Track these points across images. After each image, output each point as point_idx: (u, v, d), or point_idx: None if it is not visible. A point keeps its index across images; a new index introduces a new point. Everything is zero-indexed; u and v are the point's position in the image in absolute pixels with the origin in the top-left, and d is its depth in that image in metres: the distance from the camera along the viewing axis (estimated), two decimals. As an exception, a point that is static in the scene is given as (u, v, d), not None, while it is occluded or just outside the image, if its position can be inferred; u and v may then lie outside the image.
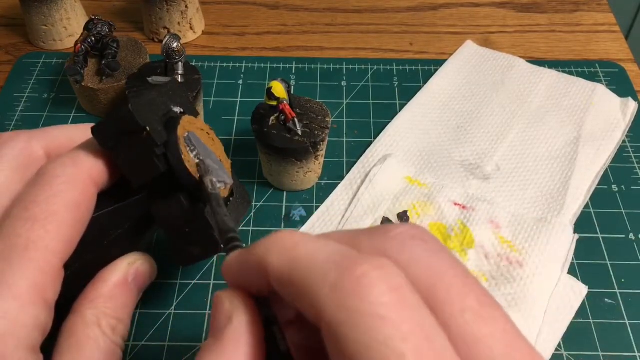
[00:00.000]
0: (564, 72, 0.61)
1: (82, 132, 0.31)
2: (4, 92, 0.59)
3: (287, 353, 0.22)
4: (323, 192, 0.51)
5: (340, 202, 0.49)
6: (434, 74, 0.61)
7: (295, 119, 0.46)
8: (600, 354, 0.41)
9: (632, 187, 0.52)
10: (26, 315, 0.24)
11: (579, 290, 0.44)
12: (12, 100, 0.58)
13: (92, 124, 0.29)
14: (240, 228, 0.48)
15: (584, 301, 0.44)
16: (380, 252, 0.21)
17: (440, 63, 0.62)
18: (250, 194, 0.50)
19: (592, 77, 0.61)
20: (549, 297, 0.43)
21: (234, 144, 0.55)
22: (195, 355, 0.41)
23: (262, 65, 0.62)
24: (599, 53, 0.65)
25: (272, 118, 0.47)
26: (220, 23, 0.68)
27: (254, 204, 0.50)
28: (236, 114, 0.57)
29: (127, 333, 0.29)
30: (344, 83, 0.60)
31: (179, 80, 0.51)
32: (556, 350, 0.41)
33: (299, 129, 0.46)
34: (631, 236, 0.48)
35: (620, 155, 0.54)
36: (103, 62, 0.54)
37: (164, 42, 0.50)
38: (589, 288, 0.44)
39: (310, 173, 0.49)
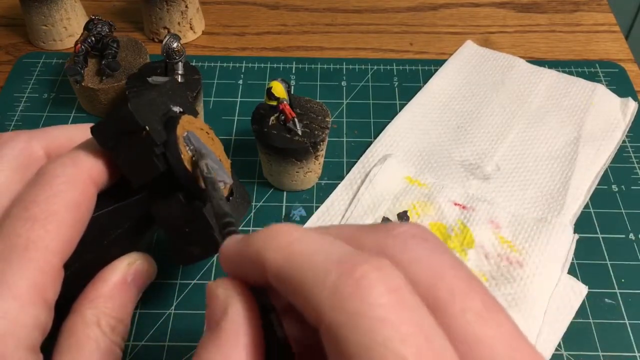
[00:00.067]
0: (564, 72, 0.61)
1: (82, 132, 0.31)
2: (4, 92, 0.59)
3: (285, 340, 0.22)
4: (323, 192, 0.51)
5: (340, 202, 0.49)
6: (434, 74, 0.61)
7: (295, 119, 0.46)
8: (600, 354, 0.41)
9: (632, 187, 0.52)
10: (26, 315, 0.24)
11: (579, 290, 0.44)
12: (12, 100, 0.58)
13: (92, 124, 0.29)
14: (240, 228, 0.48)
15: (584, 301, 0.44)
16: (381, 250, 0.21)
17: (440, 63, 0.62)
18: (250, 194, 0.50)
19: (592, 77, 0.61)
20: (549, 297, 0.43)
21: (234, 144, 0.54)
22: (193, 355, 0.41)
23: (262, 65, 0.62)
24: (599, 53, 0.65)
25: (272, 118, 0.47)
26: (220, 23, 0.68)
27: (254, 204, 0.50)
28: (236, 114, 0.57)
29: (127, 333, 0.29)
30: (344, 83, 0.60)
31: (179, 80, 0.51)
32: (556, 350, 0.41)
33: (299, 129, 0.46)
34: (631, 236, 0.48)
35: (620, 155, 0.54)
36: (103, 62, 0.54)
37: (164, 42, 0.50)
38: (589, 288, 0.44)
39: (310, 173, 0.49)
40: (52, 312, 0.26)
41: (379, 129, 0.55)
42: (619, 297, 0.44)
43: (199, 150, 0.31)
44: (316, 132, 0.47)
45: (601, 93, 0.58)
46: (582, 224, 0.49)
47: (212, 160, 0.32)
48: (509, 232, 0.46)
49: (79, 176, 0.28)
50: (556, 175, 0.51)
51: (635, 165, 0.53)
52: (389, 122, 0.56)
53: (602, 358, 0.41)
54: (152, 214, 0.31)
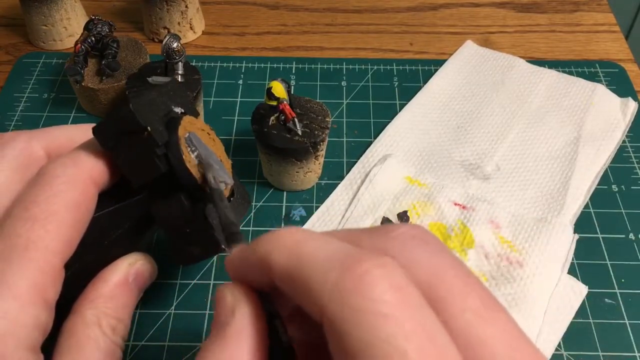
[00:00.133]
0: (564, 72, 0.61)
1: (83, 132, 0.31)
2: (4, 92, 0.59)
3: (289, 347, 0.22)
4: (323, 192, 0.51)
5: (340, 202, 0.49)
6: (434, 74, 0.61)
7: (295, 119, 0.46)
8: (600, 354, 0.41)
9: (632, 187, 0.52)
10: (26, 315, 0.24)
11: (579, 290, 0.44)
12: (12, 100, 0.58)
13: (93, 124, 0.29)
14: (240, 228, 0.48)
15: (584, 301, 0.44)
16: (381, 251, 0.21)
17: (440, 63, 0.62)
18: (250, 194, 0.50)
19: (592, 77, 0.61)
20: (549, 297, 0.43)
21: (234, 144, 0.55)
22: (195, 355, 0.41)
23: (262, 65, 0.62)
24: (599, 53, 0.65)
25: (272, 118, 0.47)
26: (220, 23, 0.68)
27: (254, 204, 0.50)
28: (236, 114, 0.57)
29: (127, 333, 0.29)
30: (344, 83, 0.60)
31: (179, 80, 0.51)
32: (556, 350, 0.41)
33: (299, 129, 0.46)
34: (631, 236, 0.48)
35: (620, 155, 0.54)
36: (103, 62, 0.54)
37: (164, 42, 0.50)
38: (589, 288, 0.44)
39: (310, 173, 0.49)
40: (52, 312, 0.26)
41: (379, 129, 0.55)
42: (619, 297, 0.44)
43: (207, 161, 0.31)
44: (316, 132, 0.47)
45: (601, 93, 0.58)
46: (582, 224, 0.49)
47: (213, 161, 0.32)
48: (509, 232, 0.46)
49: (79, 176, 0.28)
50: (556, 175, 0.51)
51: (635, 165, 0.53)
52: (389, 122, 0.56)
53: (602, 358, 0.41)
54: (153, 214, 0.31)
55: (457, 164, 0.52)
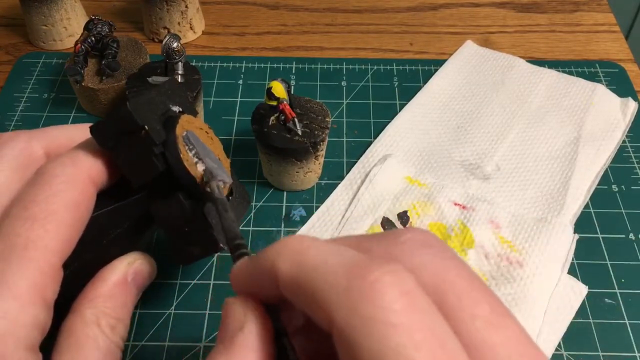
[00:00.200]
0: (564, 72, 0.61)
1: (82, 132, 0.31)
2: (4, 92, 0.59)
3: None
4: (323, 192, 0.51)
5: (340, 202, 0.49)
6: (434, 74, 0.61)
7: (295, 119, 0.46)
8: (600, 354, 0.41)
9: (632, 187, 0.52)
10: (25, 315, 0.24)
11: (579, 290, 0.44)
12: (12, 100, 0.58)
13: (92, 124, 0.29)
14: (240, 228, 0.48)
15: (584, 301, 0.44)
16: (389, 257, 0.21)
17: (440, 63, 0.62)
18: (250, 194, 0.50)
19: (592, 77, 0.61)
20: (549, 297, 0.43)
21: (234, 144, 0.54)
22: (195, 356, 0.41)
23: (262, 65, 0.62)
24: (599, 53, 0.65)
25: (272, 118, 0.47)
26: (220, 23, 0.68)
27: (254, 204, 0.50)
28: (236, 114, 0.57)
29: (127, 333, 0.29)
30: (344, 83, 0.60)
31: (179, 80, 0.51)
32: (556, 350, 0.41)
33: (299, 129, 0.46)
34: (631, 236, 0.48)
35: (620, 155, 0.54)
36: (103, 62, 0.54)
37: (164, 42, 0.50)
38: (589, 288, 0.44)
39: (310, 173, 0.49)
40: (51, 312, 0.26)
41: (379, 129, 0.55)
42: (619, 297, 0.44)
43: (211, 170, 0.30)
44: (316, 132, 0.47)
45: (601, 93, 0.58)
46: (582, 224, 0.49)
47: (211, 160, 0.32)
48: (509, 232, 0.46)
49: (78, 176, 0.28)
50: (556, 175, 0.51)
51: (635, 165, 0.53)
52: (389, 122, 0.56)
53: (602, 358, 0.41)
54: (152, 213, 0.31)
55: (457, 164, 0.52)
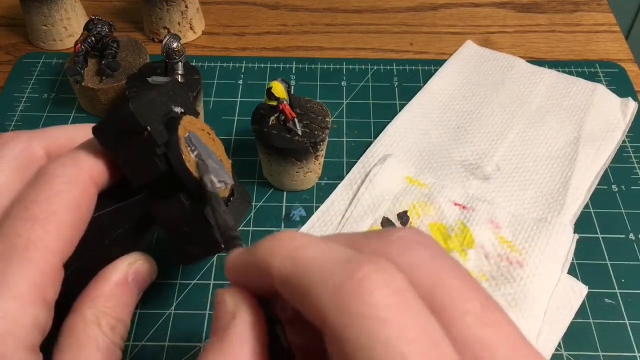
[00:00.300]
0: (564, 72, 0.61)
1: (83, 132, 0.31)
2: (4, 92, 0.59)
3: (289, 352, 0.22)
4: (323, 192, 0.51)
5: (340, 202, 0.49)
6: (434, 74, 0.61)
7: (295, 119, 0.46)
8: (600, 354, 0.41)
9: (632, 187, 0.52)
10: (26, 315, 0.24)
11: (579, 290, 0.44)
12: (12, 100, 0.58)
13: (93, 124, 0.29)
14: (240, 228, 0.48)
15: (584, 301, 0.44)
16: (381, 255, 0.21)
17: (440, 63, 0.62)
18: (250, 194, 0.50)
19: (592, 77, 0.61)
20: (549, 297, 0.43)
21: (234, 144, 0.55)
22: (195, 356, 0.41)
23: (262, 65, 0.62)
24: (599, 53, 0.65)
25: (272, 118, 0.47)
26: (220, 23, 0.68)
27: (254, 204, 0.50)
28: (236, 114, 0.57)
29: (127, 333, 0.29)
30: (344, 83, 0.60)
31: (179, 80, 0.51)
32: (556, 350, 0.41)
33: (299, 129, 0.46)
34: (631, 236, 0.48)
35: (620, 155, 0.54)
36: (103, 62, 0.54)
37: (164, 42, 0.50)
38: (589, 288, 0.44)
39: (310, 173, 0.49)
40: (51, 312, 0.26)
41: (379, 129, 0.55)
42: (619, 297, 0.44)
43: (204, 164, 0.31)
44: (316, 132, 0.47)
45: (601, 93, 0.58)
46: (582, 224, 0.49)
47: (213, 161, 0.32)
48: (509, 232, 0.46)
49: (79, 176, 0.28)
50: (556, 175, 0.51)
51: (635, 165, 0.53)
52: (389, 122, 0.56)
53: (602, 358, 0.41)
54: (153, 214, 0.31)
55: (457, 164, 0.52)
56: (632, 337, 0.42)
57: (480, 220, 0.47)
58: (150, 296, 0.44)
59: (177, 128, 0.30)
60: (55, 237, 0.26)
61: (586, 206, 0.50)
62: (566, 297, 0.43)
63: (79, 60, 0.54)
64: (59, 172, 0.27)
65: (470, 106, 0.57)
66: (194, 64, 0.58)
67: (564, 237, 0.46)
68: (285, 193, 0.51)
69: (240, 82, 0.60)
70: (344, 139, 0.55)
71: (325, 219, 0.48)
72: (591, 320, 0.43)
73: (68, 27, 0.63)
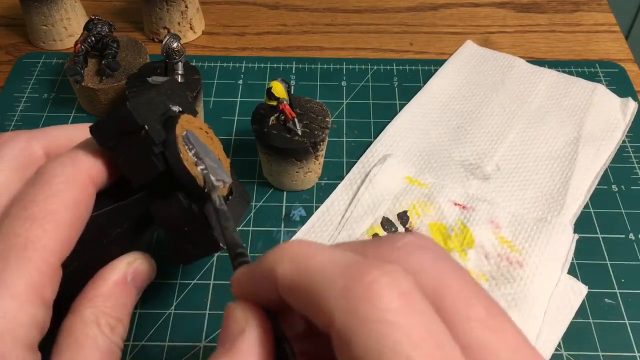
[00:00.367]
0: (564, 72, 0.61)
1: (82, 131, 0.31)
2: (4, 92, 0.59)
3: None
4: (323, 192, 0.51)
5: (340, 202, 0.49)
6: (434, 74, 0.61)
7: (295, 119, 0.46)
8: (600, 354, 0.41)
9: (632, 187, 0.52)
10: (24, 314, 0.24)
11: (579, 290, 0.44)
12: (12, 100, 0.58)
13: (92, 124, 0.29)
14: (240, 228, 0.48)
15: (584, 301, 0.44)
16: (387, 260, 0.21)
17: (440, 63, 0.62)
18: (250, 194, 0.50)
19: (592, 77, 0.61)
20: (549, 297, 0.43)
21: (234, 144, 0.54)
22: (195, 356, 0.41)
23: (262, 65, 0.62)
24: (599, 53, 0.65)
25: (272, 118, 0.47)
26: (220, 23, 0.68)
27: (254, 204, 0.50)
28: (236, 114, 0.57)
29: (126, 333, 0.29)
30: (344, 83, 0.60)
31: (179, 80, 0.51)
32: (556, 350, 0.41)
33: (299, 129, 0.46)
34: (631, 236, 0.48)
35: (620, 155, 0.54)
36: (103, 62, 0.54)
37: (164, 42, 0.50)
38: (589, 288, 0.44)
39: (310, 173, 0.49)
40: (50, 311, 0.26)
41: (379, 129, 0.55)
42: (619, 297, 0.44)
43: (211, 182, 0.30)
44: (316, 132, 0.47)
45: (601, 93, 0.58)
46: (582, 224, 0.49)
47: (211, 160, 0.32)
48: (509, 232, 0.46)
49: (78, 176, 0.28)
50: (556, 175, 0.51)
51: (635, 165, 0.53)
52: (389, 122, 0.56)
53: (602, 358, 0.41)
54: (152, 213, 0.31)
55: (457, 164, 0.52)
56: (632, 337, 0.42)
57: (480, 220, 0.47)
58: (150, 296, 0.44)
59: (175, 127, 0.30)
60: (53, 236, 0.26)
61: (586, 206, 0.50)
62: (566, 297, 0.43)
63: (79, 60, 0.54)
64: (57, 172, 0.27)
65: (470, 106, 0.57)
66: (194, 64, 0.58)
67: (564, 237, 0.46)
68: (285, 193, 0.51)
69: (240, 82, 0.60)
70: (344, 139, 0.55)
71: (325, 219, 0.48)
72: (591, 320, 0.43)
73: (68, 27, 0.63)
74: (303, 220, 0.49)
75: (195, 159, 0.31)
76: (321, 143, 0.48)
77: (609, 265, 0.46)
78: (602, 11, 0.70)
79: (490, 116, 0.56)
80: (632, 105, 0.57)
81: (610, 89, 0.59)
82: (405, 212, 0.48)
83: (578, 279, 0.45)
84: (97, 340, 0.27)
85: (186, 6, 0.63)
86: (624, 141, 0.55)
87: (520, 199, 0.49)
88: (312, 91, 0.60)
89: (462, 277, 0.21)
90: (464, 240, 0.46)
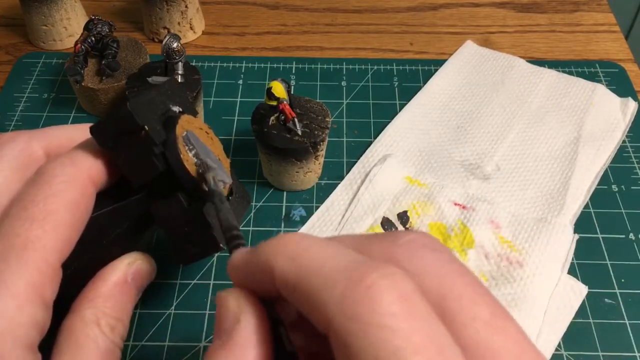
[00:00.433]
0: (564, 72, 0.61)
1: (82, 132, 0.31)
2: (4, 92, 0.59)
3: (294, 354, 0.22)
4: (323, 192, 0.51)
5: (340, 202, 0.49)
6: (434, 74, 0.61)
7: (295, 119, 0.46)
8: (600, 354, 0.41)
9: (632, 187, 0.52)
10: (24, 315, 0.24)
11: (579, 290, 0.44)
12: (12, 100, 0.58)
13: (92, 124, 0.29)
14: (240, 228, 0.48)
15: (584, 301, 0.44)
16: (389, 259, 0.21)
17: (440, 63, 0.62)
18: (250, 194, 0.50)
19: (592, 77, 0.61)
20: (549, 297, 0.43)
21: (234, 144, 0.54)
22: (195, 356, 0.41)
23: (262, 65, 0.62)
24: (599, 53, 0.65)
25: (272, 118, 0.47)
26: (220, 23, 0.68)
27: (254, 204, 0.50)
28: (236, 114, 0.57)
29: (126, 333, 0.29)
30: (344, 83, 0.60)
31: (179, 80, 0.51)
32: (556, 350, 0.41)
33: (299, 129, 0.46)
34: (631, 236, 0.48)
35: (620, 155, 0.54)
36: (103, 62, 0.54)
37: (164, 42, 0.50)
38: (589, 288, 0.44)
39: (310, 173, 0.49)
40: (50, 311, 0.26)
41: (379, 129, 0.55)
42: (619, 297, 0.44)
43: (205, 162, 0.30)
44: (316, 132, 0.47)
45: (601, 93, 0.58)
46: (582, 224, 0.49)
47: (211, 160, 0.32)
48: (509, 232, 0.46)
49: (78, 176, 0.28)
50: (556, 175, 0.51)
51: (635, 165, 0.53)
52: (389, 122, 0.56)
53: (602, 358, 0.41)
54: (152, 213, 0.31)
55: (457, 164, 0.52)
56: (632, 337, 0.42)
57: (480, 220, 0.47)
58: (150, 296, 0.44)
59: (175, 127, 0.30)
60: (53, 236, 0.26)
61: (586, 206, 0.50)
62: (566, 297, 0.43)
63: (79, 60, 0.54)
64: (57, 172, 0.27)
65: (470, 106, 0.57)
66: (194, 64, 0.58)
67: (564, 237, 0.46)
68: (285, 193, 0.51)
69: (240, 82, 0.60)
70: (344, 139, 0.55)
71: (325, 219, 0.48)
72: (591, 320, 0.43)
73: (68, 27, 0.63)
74: (303, 220, 0.49)
75: (195, 159, 0.31)
76: (321, 143, 0.48)
77: (609, 265, 0.46)
78: (602, 11, 0.70)
79: (490, 116, 0.56)
80: (632, 105, 0.57)
81: (610, 89, 0.59)
82: (405, 212, 0.48)
83: (578, 279, 0.45)
84: (97, 341, 0.27)
85: (186, 6, 0.63)
86: (624, 141, 0.55)
87: (520, 199, 0.49)
88: (312, 91, 0.60)
89: (466, 276, 0.21)
90: (464, 240, 0.46)
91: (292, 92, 0.48)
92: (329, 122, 0.48)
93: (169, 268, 0.45)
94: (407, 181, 0.50)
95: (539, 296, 0.42)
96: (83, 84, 0.54)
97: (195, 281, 0.45)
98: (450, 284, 0.20)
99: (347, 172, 0.52)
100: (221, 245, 0.31)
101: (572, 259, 0.46)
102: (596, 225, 0.49)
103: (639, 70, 0.62)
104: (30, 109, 0.57)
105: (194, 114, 0.35)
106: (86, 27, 0.56)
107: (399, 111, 0.57)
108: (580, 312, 0.43)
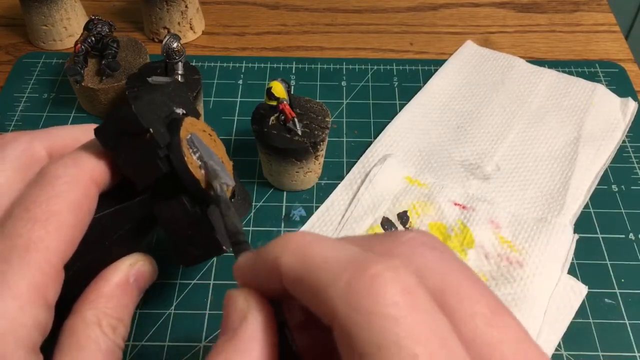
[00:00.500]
0: (564, 72, 0.61)
1: (85, 132, 0.31)
2: (4, 92, 0.59)
3: (298, 354, 0.22)
4: (323, 192, 0.51)
5: (340, 202, 0.49)
6: (434, 74, 0.61)
7: (295, 119, 0.46)
8: (600, 354, 0.41)
9: (632, 187, 0.52)
10: (26, 315, 0.24)
11: (579, 290, 0.44)
12: (12, 100, 0.58)
13: (95, 125, 0.29)
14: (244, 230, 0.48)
15: (584, 301, 0.44)
16: (390, 256, 0.21)
17: (440, 63, 0.62)
18: (250, 194, 0.50)
19: (592, 77, 0.61)
20: (549, 297, 0.43)
21: (234, 144, 0.55)
22: (195, 356, 0.41)
23: (262, 65, 0.62)
24: (599, 53, 0.65)
25: (272, 118, 0.47)
26: (220, 23, 0.68)
27: (254, 204, 0.50)
28: (236, 114, 0.57)
29: (128, 333, 0.29)
30: (344, 83, 0.60)
31: (179, 80, 0.51)
32: (556, 350, 0.41)
33: (299, 129, 0.46)
34: (631, 236, 0.48)
35: (620, 155, 0.54)
36: (103, 62, 0.54)
37: (164, 42, 0.50)
38: (589, 288, 0.44)
39: (310, 173, 0.49)
40: (52, 312, 0.26)
41: (379, 129, 0.55)
42: (619, 297, 0.44)
43: (213, 169, 0.30)
44: (316, 132, 0.47)
45: (601, 93, 0.58)
46: (582, 224, 0.49)
47: (214, 162, 0.32)
48: (509, 232, 0.46)
49: (80, 177, 0.28)
50: (556, 175, 0.51)
51: (635, 165, 0.53)
52: (389, 122, 0.56)
53: (602, 358, 0.41)
54: (155, 215, 0.31)
55: (457, 164, 0.52)
56: (632, 337, 0.42)
57: (480, 220, 0.47)
58: (151, 296, 0.44)
59: (179, 130, 0.30)
60: (56, 237, 0.26)
61: (586, 206, 0.50)
62: (566, 297, 0.43)
63: (79, 60, 0.54)
64: (60, 173, 0.27)
65: (470, 106, 0.57)
66: (194, 64, 0.58)
67: (564, 237, 0.46)
68: (285, 193, 0.51)
69: (240, 82, 0.60)
70: (344, 139, 0.55)
71: (325, 219, 0.48)
72: (591, 320, 0.43)
73: (68, 27, 0.63)
74: (303, 220, 0.49)
75: (200, 162, 0.31)
76: (321, 143, 0.48)
77: (609, 265, 0.46)
78: (602, 11, 0.70)
79: (490, 116, 0.56)
80: (632, 105, 0.57)
81: (610, 89, 0.59)
82: (405, 212, 0.48)
83: (578, 279, 0.45)
84: (99, 342, 0.27)
85: (186, 6, 0.63)
86: (624, 141, 0.55)
87: (520, 199, 0.49)
88: (312, 91, 0.60)
89: (466, 273, 0.21)
90: (464, 240, 0.46)
91: (292, 92, 0.48)
92: (329, 122, 0.48)
93: (169, 268, 0.45)
94: (407, 181, 0.50)
95: (539, 296, 0.43)
96: (83, 84, 0.54)
97: (195, 281, 0.45)
98: (450, 280, 0.21)
99: (347, 172, 0.52)
100: (224, 247, 0.31)
101: (572, 259, 0.46)
102: (596, 225, 0.49)
103: (639, 70, 0.63)
104: (30, 109, 0.57)
105: (197, 115, 0.35)
106: (86, 27, 0.56)
107: (399, 111, 0.57)
108: (580, 312, 0.43)
